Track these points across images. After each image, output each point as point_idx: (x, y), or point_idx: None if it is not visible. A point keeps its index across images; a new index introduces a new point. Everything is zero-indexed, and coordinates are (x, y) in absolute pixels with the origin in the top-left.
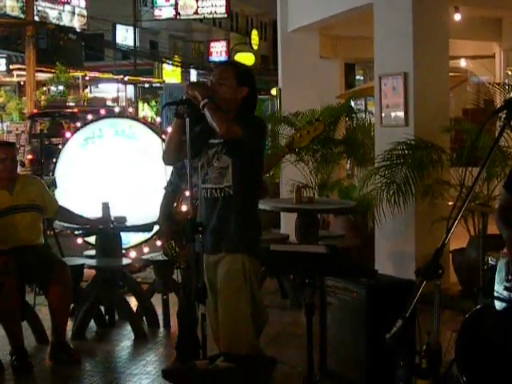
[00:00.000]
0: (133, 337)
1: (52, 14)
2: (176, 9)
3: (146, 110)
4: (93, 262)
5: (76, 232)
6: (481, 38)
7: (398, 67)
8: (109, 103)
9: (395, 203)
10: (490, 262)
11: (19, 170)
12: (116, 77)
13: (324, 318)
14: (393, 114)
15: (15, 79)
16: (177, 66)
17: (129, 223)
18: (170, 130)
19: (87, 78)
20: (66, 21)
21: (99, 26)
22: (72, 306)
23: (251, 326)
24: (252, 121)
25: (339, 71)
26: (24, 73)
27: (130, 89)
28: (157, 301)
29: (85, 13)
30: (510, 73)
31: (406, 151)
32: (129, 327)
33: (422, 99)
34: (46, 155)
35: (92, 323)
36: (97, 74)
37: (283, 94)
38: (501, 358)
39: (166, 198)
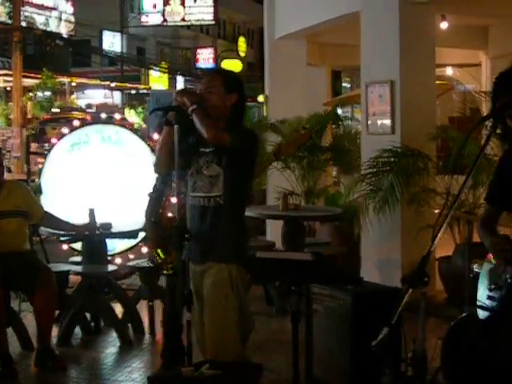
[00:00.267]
0: (118, 343)
1: (39, 19)
2: (163, 15)
3: (132, 117)
4: (78, 268)
5: (62, 238)
6: (467, 47)
7: (384, 75)
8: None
9: (381, 211)
10: (475, 269)
11: (6, 175)
12: (103, 83)
13: (310, 325)
14: (379, 122)
15: (1, 85)
16: (164, 72)
17: (115, 230)
18: (158, 138)
19: (74, 84)
20: (53, 26)
21: (86, 32)
22: (57, 312)
23: (238, 334)
24: (243, 131)
25: (326, 78)
26: (10, 78)
27: (117, 95)
28: (142, 307)
29: (72, 19)
30: None
31: (393, 159)
32: (114, 334)
33: (409, 107)
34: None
35: (77, 330)
36: (84, 80)
37: (270, 101)
38: (486, 365)
39: (151, 204)
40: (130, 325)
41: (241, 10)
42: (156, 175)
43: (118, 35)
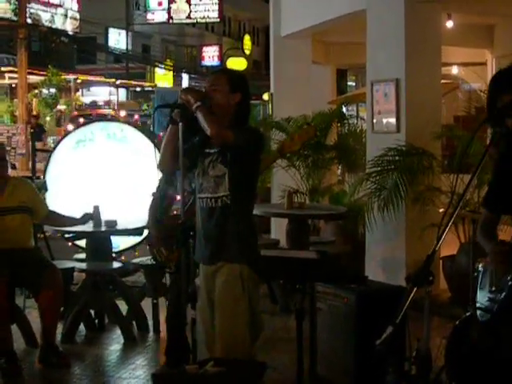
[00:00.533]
0: (122, 341)
1: (44, 16)
2: (169, 13)
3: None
4: (83, 265)
5: (66, 235)
6: (473, 45)
7: (390, 73)
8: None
9: (386, 209)
10: (479, 268)
11: (11, 172)
12: (108, 80)
13: (314, 323)
14: (384, 121)
15: (7, 81)
16: (169, 70)
17: (119, 227)
18: (164, 137)
19: (79, 81)
20: (58, 24)
21: (92, 29)
22: (62, 309)
23: (248, 334)
24: (247, 130)
25: (331, 77)
26: (16, 75)
27: (122, 92)
28: (147, 305)
29: (77, 16)
30: None
31: (397, 157)
32: (118, 331)
33: (414, 106)
34: None
35: (81, 327)
36: (89, 78)
37: (275, 99)
38: (488, 364)
39: (155, 203)
40: (134, 322)
41: (246, 7)
42: (159, 175)
43: (123, 33)
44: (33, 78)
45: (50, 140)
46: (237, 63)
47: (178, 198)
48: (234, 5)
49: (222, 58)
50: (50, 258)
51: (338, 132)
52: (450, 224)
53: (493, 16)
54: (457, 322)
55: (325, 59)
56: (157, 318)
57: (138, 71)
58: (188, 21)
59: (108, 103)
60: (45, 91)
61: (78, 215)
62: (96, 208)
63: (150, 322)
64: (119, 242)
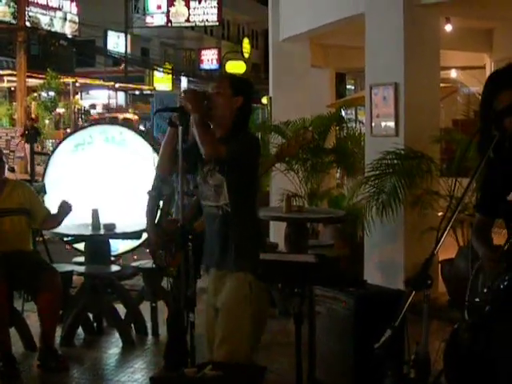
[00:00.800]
0: (121, 344)
1: (43, 19)
2: (168, 16)
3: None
4: (81, 268)
5: (65, 239)
6: (471, 49)
7: (388, 77)
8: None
9: (384, 213)
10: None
11: (10, 175)
12: (107, 83)
13: (313, 327)
14: (383, 124)
15: (6, 85)
16: (168, 73)
17: (118, 230)
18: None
19: (78, 84)
20: (57, 27)
21: (91, 33)
22: (60, 312)
23: (249, 341)
24: (243, 139)
25: (330, 80)
26: (15, 78)
27: (121, 96)
28: (145, 308)
29: (76, 19)
30: None
31: (396, 161)
32: (117, 334)
33: (413, 109)
34: None
35: (80, 330)
36: (88, 81)
37: (274, 102)
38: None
39: (151, 203)
40: (132, 325)
41: (245, 11)
42: (155, 174)
43: (122, 36)
44: (32, 82)
45: (49, 143)
46: (236, 66)
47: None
48: (232, 8)
49: (221, 61)
50: (49, 261)
51: (336, 135)
52: (449, 228)
53: (491, 20)
54: (455, 325)
55: (324, 63)
56: (155, 321)
57: (136, 74)
58: (187, 24)
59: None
60: (44, 94)
61: (77, 219)
62: (95, 211)
63: (149, 326)
64: (118, 246)
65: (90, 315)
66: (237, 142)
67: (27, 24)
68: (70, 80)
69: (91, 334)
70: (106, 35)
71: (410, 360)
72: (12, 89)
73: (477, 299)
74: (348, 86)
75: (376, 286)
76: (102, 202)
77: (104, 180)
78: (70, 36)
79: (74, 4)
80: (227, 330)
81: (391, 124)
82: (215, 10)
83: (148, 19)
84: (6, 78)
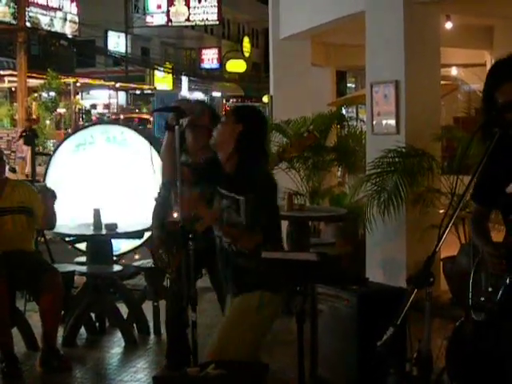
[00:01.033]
0: (123, 344)
1: (44, 20)
2: (168, 16)
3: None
4: (83, 268)
5: (67, 239)
6: (472, 47)
7: (389, 75)
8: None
9: (386, 211)
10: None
11: (11, 176)
12: (107, 83)
13: (315, 325)
14: (384, 122)
15: (6, 85)
16: (168, 72)
17: (120, 230)
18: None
19: (78, 84)
20: (57, 27)
21: (91, 33)
22: (62, 312)
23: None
24: (260, 195)
25: (331, 79)
26: (15, 79)
27: (122, 95)
28: (147, 308)
29: (76, 19)
30: None
31: (397, 159)
32: (119, 334)
33: (414, 107)
34: None
35: (82, 330)
36: (88, 81)
37: (275, 101)
38: (490, 364)
39: (157, 209)
40: (135, 325)
41: (245, 10)
42: (161, 182)
43: (122, 36)
44: (32, 82)
45: (50, 143)
46: (236, 65)
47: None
48: (233, 7)
49: (222, 60)
50: (51, 261)
51: (337, 134)
52: (450, 225)
53: (492, 17)
54: (457, 322)
55: (324, 61)
56: (157, 320)
57: (137, 74)
58: (187, 23)
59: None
60: (44, 95)
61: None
62: (96, 211)
63: (151, 325)
64: (120, 245)
65: (93, 315)
66: (254, 198)
67: (27, 24)
68: (70, 80)
69: (93, 334)
70: (106, 35)
71: (412, 358)
72: (13, 89)
73: (482, 298)
74: (349, 84)
75: (378, 284)
76: (104, 201)
77: (105, 180)
78: (70, 36)
79: (74, 4)
80: (222, 329)
81: (392, 122)
82: (215, 9)
83: (148, 19)
84: (6, 79)
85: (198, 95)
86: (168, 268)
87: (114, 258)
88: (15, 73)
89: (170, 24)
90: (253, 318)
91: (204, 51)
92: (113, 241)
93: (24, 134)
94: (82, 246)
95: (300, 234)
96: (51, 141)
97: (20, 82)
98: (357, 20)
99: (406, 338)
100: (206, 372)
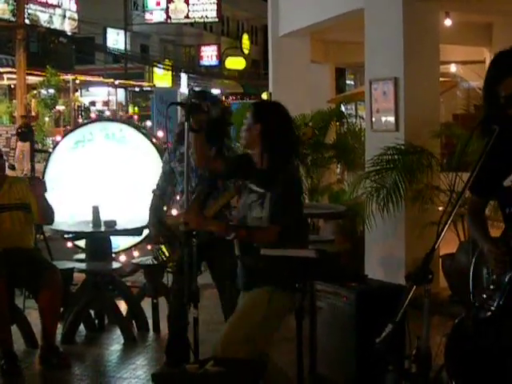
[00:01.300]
0: (122, 341)
1: (43, 17)
2: (167, 13)
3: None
4: (83, 265)
5: (65, 236)
6: (471, 44)
7: (388, 72)
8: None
9: (385, 208)
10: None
11: (10, 173)
12: (107, 80)
13: (314, 322)
14: (383, 119)
15: (5, 82)
16: (168, 69)
17: (119, 227)
18: (163, 135)
19: (78, 81)
20: (56, 24)
21: (90, 30)
22: (62, 309)
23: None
24: (284, 189)
25: (330, 76)
26: (14, 76)
27: (121, 92)
28: (146, 305)
29: (76, 16)
30: None
31: (396, 156)
32: (118, 331)
33: (413, 104)
34: None
35: (81, 327)
36: (87, 78)
37: (274, 98)
38: (490, 360)
39: (155, 201)
40: (134, 322)
41: (244, 6)
42: (160, 173)
43: (121, 33)
44: (31, 79)
45: (49, 141)
46: (235, 63)
47: (178, 198)
48: (232, 4)
49: (221, 57)
50: (50, 258)
51: (336, 131)
52: (449, 222)
53: (491, 14)
54: (456, 319)
55: (323, 58)
56: (157, 317)
57: (136, 71)
58: (186, 20)
59: (107, 104)
60: (43, 92)
61: (78, 216)
62: (95, 208)
63: (150, 322)
64: (119, 242)
65: (92, 312)
66: (281, 191)
67: (26, 21)
68: (69, 77)
69: (93, 331)
70: (105, 32)
71: (411, 355)
72: (12, 86)
73: (484, 295)
74: (348, 81)
75: (377, 281)
76: (103, 198)
77: (104, 177)
78: (69, 33)
79: (73, 1)
80: (229, 323)
81: (391, 119)
82: (214, 6)
83: (147, 16)
84: (5, 76)
85: None
86: (169, 263)
87: (113, 255)
88: (14, 70)
89: (169, 21)
90: (260, 314)
91: (203, 48)
92: (112, 238)
93: (20, 130)
94: (81, 243)
95: None
96: (50, 138)
97: (19, 79)
98: (356, 17)
99: (404, 335)
100: (204, 369)
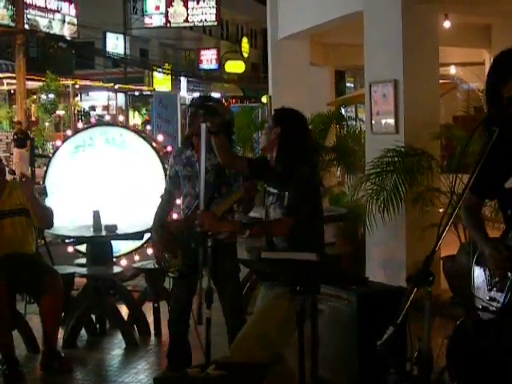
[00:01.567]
0: (124, 345)
1: (42, 22)
2: (166, 17)
3: (136, 118)
4: (83, 270)
5: (66, 241)
6: (470, 45)
7: (388, 74)
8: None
9: (386, 210)
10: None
11: (10, 178)
12: (106, 85)
13: (315, 325)
14: (383, 122)
15: (5, 87)
16: (167, 73)
17: (120, 231)
18: (163, 139)
19: (77, 86)
20: (56, 29)
21: (89, 34)
22: (63, 314)
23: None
24: (300, 185)
25: (329, 78)
26: (14, 81)
27: (121, 97)
28: (148, 309)
29: (75, 21)
30: None
31: (396, 158)
32: (120, 335)
33: (412, 106)
34: None
35: (83, 331)
36: (87, 83)
37: (274, 101)
38: (492, 364)
39: (161, 206)
40: (135, 326)
41: (244, 10)
42: (167, 177)
43: (121, 37)
44: (31, 84)
45: (49, 145)
46: (235, 66)
47: (178, 201)
48: (231, 8)
49: (220, 61)
50: (51, 263)
51: (337, 134)
52: (450, 224)
53: (490, 16)
54: (458, 321)
55: (323, 61)
56: (158, 321)
57: (136, 75)
58: (185, 24)
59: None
60: (43, 97)
61: (79, 221)
62: (96, 213)
63: (152, 326)
64: (120, 247)
65: (93, 316)
66: (295, 190)
67: (26, 27)
68: (69, 82)
69: (94, 336)
70: (104, 37)
71: (412, 357)
72: (12, 92)
73: (487, 297)
74: (347, 84)
75: (378, 284)
76: (103, 203)
77: (105, 181)
78: (68, 38)
79: (72, 6)
80: (247, 324)
81: (391, 121)
82: (214, 10)
83: (146, 20)
84: (5, 81)
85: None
86: (171, 268)
87: (114, 260)
88: (14, 75)
89: (168, 25)
90: (281, 317)
91: (203, 52)
92: (113, 242)
93: (16, 137)
94: (82, 247)
95: None
96: (50, 143)
97: (19, 84)
98: (355, 19)
99: (406, 338)
100: (206, 373)
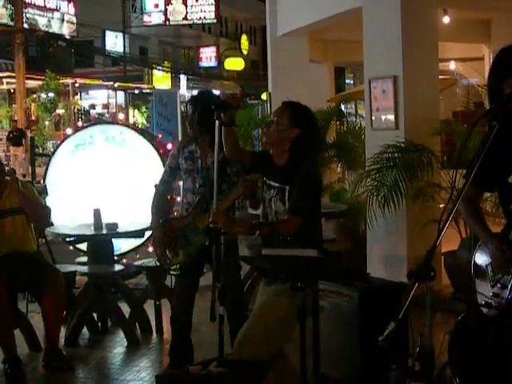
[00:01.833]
0: (126, 343)
1: (41, 21)
2: (165, 14)
3: (136, 116)
4: (85, 268)
5: (67, 239)
6: (470, 40)
7: (387, 70)
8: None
9: (386, 206)
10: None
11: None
12: (106, 83)
13: (317, 321)
14: (383, 117)
15: (5, 87)
16: (167, 71)
17: (120, 229)
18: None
19: (77, 84)
20: (55, 28)
21: (89, 33)
22: (64, 312)
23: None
24: (304, 180)
25: (329, 75)
26: (14, 80)
27: (121, 95)
28: (149, 307)
29: (74, 20)
30: None
31: (397, 154)
32: (121, 333)
33: (412, 102)
34: None
35: (85, 330)
36: (87, 81)
37: (273, 98)
38: (493, 359)
39: (157, 196)
40: (137, 324)
41: (243, 7)
42: (166, 168)
43: (120, 35)
44: (31, 83)
45: (50, 144)
46: (234, 63)
47: (178, 199)
48: (230, 5)
49: (220, 58)
50: (52, 261)
51: (337, 130)
52: (450, 219)
53: (489, 11)
54: (459, 317)
55: (322, 57)
56: (160, 319)
57: (135, 74)
58: (185, 22)
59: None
60: (43, 96)
61: (79, 219)
62: (97, 211)
63: (153, 324)
64: (121, 245)
65: (95, 315)
66: (299, 184)
67: (25, 26)
68: (69, 81)
69: (96, 334)
70: (104, 35)
71: (414, 352)
72: (11, 91)
73: (490, 293)
74: (347, 80)
75: (379, 279)
76: (104, 201)
77: (105, 180)
78: (68, 37)
79: (71, 5)
80: (252, 325)
81: (391, 117)
82: (213, 8)
83: (146, 18)
84: (5, 80)
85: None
86: (173, 266)
87: (115, 258)
88: (13, 74)
89: (167, 23)
90: (281, 313)
91: (202, 50)
92: (113, 240)
93: (11, 135)
94: (83, 246)
95: None
96: (51, 141)
97: (18, 83)
98: (354, 16)
99: (407, 333)
100: (208, 370)
